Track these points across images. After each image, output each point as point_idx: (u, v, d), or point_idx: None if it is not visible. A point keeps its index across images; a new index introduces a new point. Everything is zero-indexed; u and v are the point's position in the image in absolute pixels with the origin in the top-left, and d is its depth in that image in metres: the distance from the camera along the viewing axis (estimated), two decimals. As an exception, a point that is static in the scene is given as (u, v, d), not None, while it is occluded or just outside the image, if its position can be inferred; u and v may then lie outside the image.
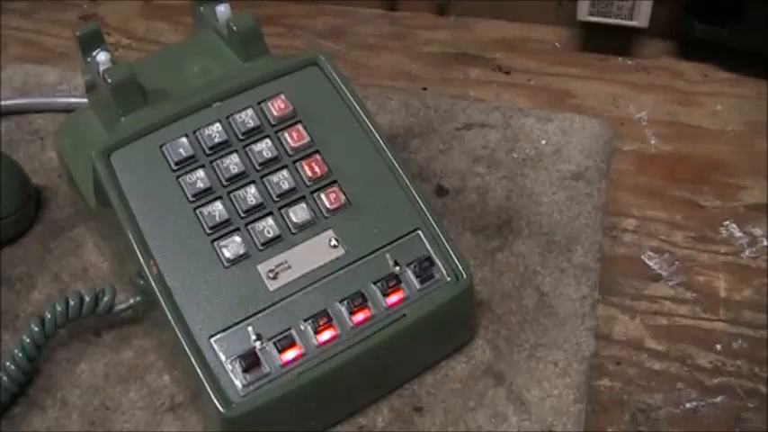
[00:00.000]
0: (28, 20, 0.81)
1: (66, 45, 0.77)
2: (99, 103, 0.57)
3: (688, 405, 0.54)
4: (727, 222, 0.63)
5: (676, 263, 0.61)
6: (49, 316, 0.53)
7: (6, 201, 0.61)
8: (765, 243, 0.62)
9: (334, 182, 0.53)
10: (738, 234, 0.62)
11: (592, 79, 0.74)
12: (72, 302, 0.53)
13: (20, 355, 0.53)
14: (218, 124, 0.53)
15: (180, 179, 0.51)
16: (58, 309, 0.53)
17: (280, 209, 0.52)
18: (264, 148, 0.53)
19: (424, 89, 0.73)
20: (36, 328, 0.53)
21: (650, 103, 0.72)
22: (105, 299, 0.54)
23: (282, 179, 0.52)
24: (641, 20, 0.70)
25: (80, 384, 0.55)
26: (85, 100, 0.60)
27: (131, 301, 0.54)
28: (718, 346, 0.56)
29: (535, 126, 0.68)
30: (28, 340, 0.53)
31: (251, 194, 0.52)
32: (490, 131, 0.68)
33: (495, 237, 0.61)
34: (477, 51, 0.76)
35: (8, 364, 0.53)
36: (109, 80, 0.53)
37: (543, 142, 0.67)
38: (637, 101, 0.72)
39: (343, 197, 0.53)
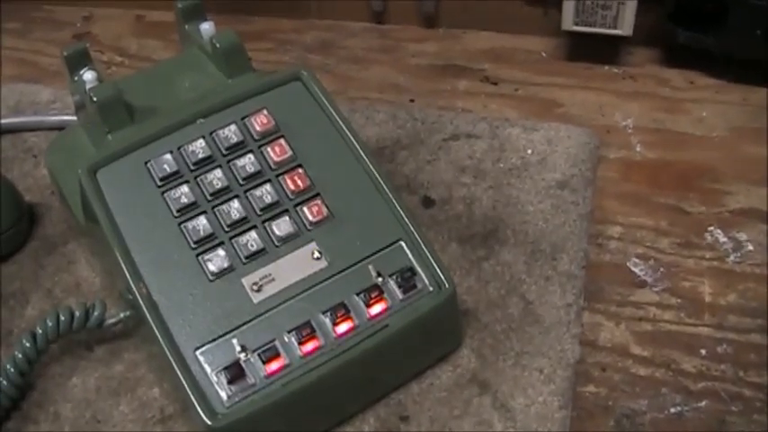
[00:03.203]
0: (22, 39, 0.83)
1: (60, 64, 0.78)
2: (87, 121, 0.58)
3: (673, 410, 0.54)
4: (712, 228, 0.63)
5: (661, 269, 0.61)
6: (40, 331, 0.54)
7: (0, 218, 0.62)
8: (750, 248, 0.62)
9: (317, 195, 0.54)
10: (723, 239, 0.63)
11: (578, 88, 0.74)
12: (63, 317, 0.54)
13: (12, 370, 0.54)
14: (201, 140, 0.53)
15: (165, 195, 0.52)
16: (49, 324, 0.54)
17: (263, 222, 0.53)
18: (248, 162, 0.53)
19: (412, 101, 0.74)
20: (28, 344, 0.54)
21: (636, 110, 0.72)
22: (95, 313, 0.55)
23: (265, 193, 0.53)
24: (625, 28, 0.71)
25: (72, 398, 0.56)
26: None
27: (121, 315, 0.55)
28: (703, 351, 0.57)
29: (521, 136, 0.69)
30: (20, 356, 0.54)
31: (234, 209, 0.52)
32: (477, 142, 0.68)
33: (481, 246, 0.62)
34: (464, 63, 0.77)
35: (1, 379, 0.54)
36: (94, 99, 0.54)
37: (529, 152, 0.68)
38: (623, 108, 0.72)
39: (325, 210, 0.53)
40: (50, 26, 0.84)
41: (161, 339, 0.49)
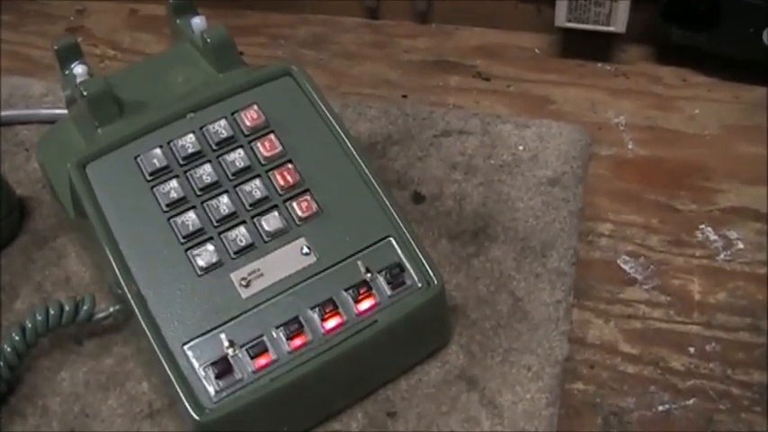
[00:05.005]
0: (15, 32, 0.83)
1: (53, 57, 0.78)
2: (78, 115, 0.58)
3: (660, 408, 0.54)
4: (703, 226, 0.63)
5: (651, 267, 0.61)
6: (29, 325, 0.54)
7: (-11, 211, 0.62)
8: (740, 246, 0.62)
9: (306, 190, 0.54)
10: (714, 237, 0.63)
11: (571, 85, 0.74)
12: (52, 311, 0.54)
13: (1, 363, 0.54)
14: (191, 135, 0.53)
15: (154, 189, 0.52)
16: (39, 318, 0.54)
17: (252, 217, 0.53)
18: (237, 157, 0.53)
19: (404, 97, 0.74)
20: (17, 337, 0.54)
21: (628, 107, 0.72)
22: (85, 307, 0.55)
23: (255, 188, 0.53)
24: (618, 26, 0.71)
25: (61, 392, 0.56)
26: (69, 111, 0.62)
27: (111, 309, 0.55)
28: (692, 349, 0.57)
29: (513, 132, 0.69)
30: (9, 349, 0.54)
31: (224, 204, 0.52)
32: (468, 138, 0.68)
33: (471, 243, 0.62)
34: (457, 59, 0.77)
35: (-11, 373, 0.54)
36: (84, 93, 0.54)
37: (520, 148, 0.68)
38: (615, 106, 0.72)
39: (314, 205, 0.53)
40: (44, 19, 0.84)
41: (149, 334, 0.49)
